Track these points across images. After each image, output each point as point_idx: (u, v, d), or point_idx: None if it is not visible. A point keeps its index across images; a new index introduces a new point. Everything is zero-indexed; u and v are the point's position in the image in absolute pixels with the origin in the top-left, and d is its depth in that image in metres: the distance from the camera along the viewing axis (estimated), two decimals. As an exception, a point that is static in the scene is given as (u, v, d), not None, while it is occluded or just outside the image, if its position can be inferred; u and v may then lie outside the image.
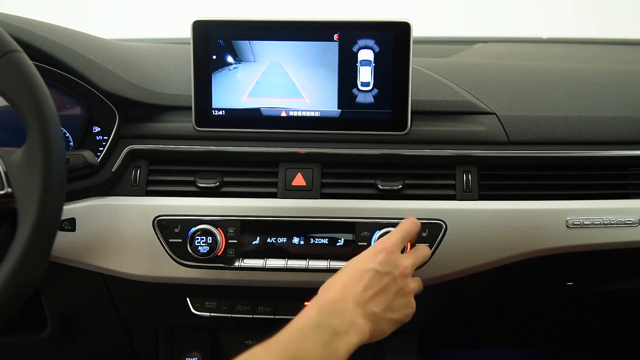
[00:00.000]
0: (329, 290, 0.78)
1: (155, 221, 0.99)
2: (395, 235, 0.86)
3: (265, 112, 1.01)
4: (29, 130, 0.73)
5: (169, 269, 1.00)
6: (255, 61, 0.99)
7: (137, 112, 1.03)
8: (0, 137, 1.04)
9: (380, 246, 0.84)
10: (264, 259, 0.99)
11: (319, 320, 0.73)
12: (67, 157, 0.92)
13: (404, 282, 0.83)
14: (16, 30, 0.96)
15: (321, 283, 1.01)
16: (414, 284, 0.85)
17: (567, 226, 0.99)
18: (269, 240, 0.99)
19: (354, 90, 0.99)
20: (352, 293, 0.77)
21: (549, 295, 1.20)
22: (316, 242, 0.99)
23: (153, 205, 1.00)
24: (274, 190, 1.01)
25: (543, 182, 1.01)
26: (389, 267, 0.82)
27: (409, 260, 0.85)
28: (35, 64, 0.76)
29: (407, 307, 0.83)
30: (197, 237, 0.97)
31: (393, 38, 0.96)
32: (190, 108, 1.01)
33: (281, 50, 0.98)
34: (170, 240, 0.98)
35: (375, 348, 1.17)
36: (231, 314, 1.07)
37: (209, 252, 0.97)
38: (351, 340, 0.73)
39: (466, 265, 0.99)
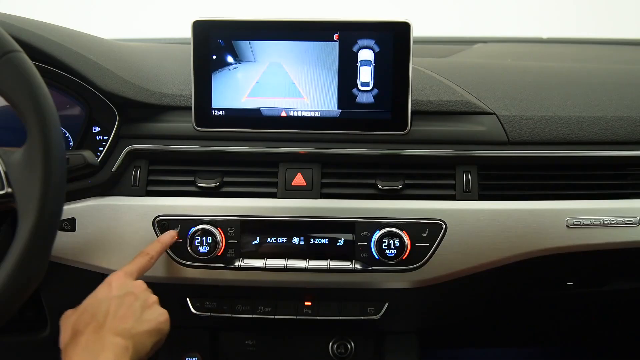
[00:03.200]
0: (77, 334, 0.79)
1: (155, 221, 0.99)
2: (128, 266, 0.90)
3: (265, 112, 1.01)
4: (29, 130, 0.73)
5: (169, 269, 1.00)
6: (255, 61, 0.99)
7: (137, 112, 1.03)
8: (0, 137, 1.04)
9: (109, 279, 0.87)
10: (264, 259, 0.99)
11: None
12: (67, 157, 0.92)
13: (145, 295, 0.87)
14: (16, 30, 0.96)
15: (321, 283, 1.01)
16: (154, 297, 0.89)
17: (567, 226, 0.99)
18: (269, 240, 0.99)
19: (354, 90, 0.99)
20: (99, 325, 0.79)
21: (548, 295, 1.20)
22: (316, 242, 0.99)
23: (153, 205, 1.00)
24: (274, 190, 1.01)
25: (543, 182, 1.01)
26: (126, 289, 0.86)
27: (138, 281, 0.89)
28: (35, 64, 0.76)
29: (158, 316, 0.86)
30: (197, 237, 0.97)
31: (393, 38, 0.96)
32: (190, 108, 1.01)
33: (281, 50, 0.98)
34: (170, 240, 0.98)
35: (375, 348, 1.17)
36: (231, 314, 1.07)
37: (209, 252, 0.97)
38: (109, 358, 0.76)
39: (466, 265, 0.99)
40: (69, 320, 0.83)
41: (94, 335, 0.78)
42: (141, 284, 0.88)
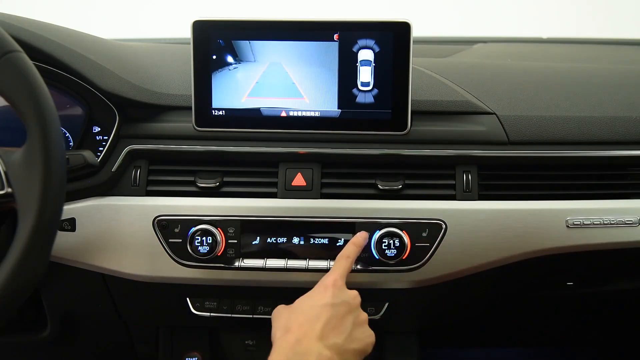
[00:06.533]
0: (288, 332, 0.80)
1: (155, 221, 0.99)
2: (337, 270, 0.89)
3: (265, 112, 1.01)
4: (28, 130, 0.73)
5: (169, 269, 1.00)
6: (255, 61, 0.99)
7: (137, 112, 1.03)
8: (0, 137, 1.04)
9: (327, 282, 0.86)
10: (264, 259, 0.99)
11: None
12: (67, 157, 0.92)
13: (358, 311, 0.86)
14: (16, 30, 0.96)
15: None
16: (365, 314, 0.88)
17: (567, 226, 0.99)
18: (269, 240, 0.99)
19: (354, 90, 0.99)
20: (311, 330, 0.79)
21: (549, 295, 1.20)
22: (316, 242, 0.99)
23: (153, 205, 1.00)
24: (274, 190, 1.01)
25: (543, 182, 1.01)
26: (341, 298, 0.84)
27: (353, 291, 0.88)
28: (35, 64, 0.76)
29: (367, 337, 0.86)
30: (197, 237, 0.97)
31: (393, 38, 0.96)
32: (190, 108, 1.01)
33: (281, 50, 0.98)
34: (170, 240, 0.98)
35: (375, 348, 1.17)
36: (231, 314, 1.07)
37: (209, 252, 0.97)
38: None
39: (466, 265, 0.99)
40: (281, 316, 0.84)
41: (305, 339, 0.78)
42: (356, 296, 0.87)
